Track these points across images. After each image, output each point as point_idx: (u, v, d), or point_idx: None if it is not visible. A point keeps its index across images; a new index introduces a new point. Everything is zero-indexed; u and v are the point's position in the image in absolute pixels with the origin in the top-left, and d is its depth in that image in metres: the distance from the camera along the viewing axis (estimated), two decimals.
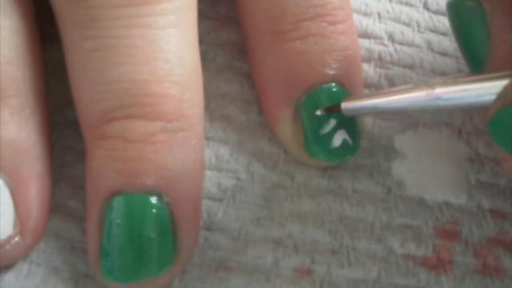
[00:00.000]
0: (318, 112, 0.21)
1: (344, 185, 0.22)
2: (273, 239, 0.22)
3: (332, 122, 0.21)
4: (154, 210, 0.19)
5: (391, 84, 0.24)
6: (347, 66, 0.22)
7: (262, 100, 0.23)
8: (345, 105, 0.21)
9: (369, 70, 0.24)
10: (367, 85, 0.24)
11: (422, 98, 0.19)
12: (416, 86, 0.20)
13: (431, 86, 0.19)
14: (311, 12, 0.21)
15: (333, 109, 0.21)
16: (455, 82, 0.19)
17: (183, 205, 0.20)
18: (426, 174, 0.23)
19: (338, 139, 0.22)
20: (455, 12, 0.21)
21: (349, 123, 0.22)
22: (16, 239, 0.20)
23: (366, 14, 0.25)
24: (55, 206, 0.21)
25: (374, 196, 0.22)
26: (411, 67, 0.24)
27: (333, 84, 0.21)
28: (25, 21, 0.20)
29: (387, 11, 0.25)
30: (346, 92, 0.22)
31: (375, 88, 0.24)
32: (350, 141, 0.22)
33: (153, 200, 0.19)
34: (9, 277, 0.20)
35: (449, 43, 0.25)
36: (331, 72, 0.21)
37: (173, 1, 0.20)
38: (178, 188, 0.20)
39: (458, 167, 0.23)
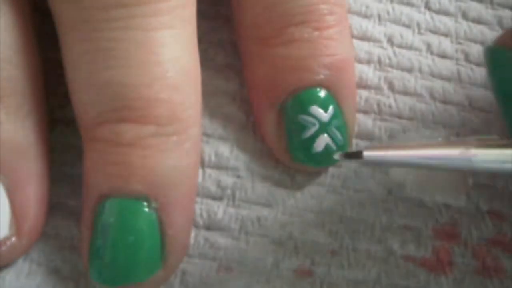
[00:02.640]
0: (336, 157, 0.20)
1: (345, 186, 0.22)
2: (273, 240, 0.22)
3: (314, 127, 0.21)
4: (141, 215, 0.19)
5: (391, 86, 0.24)
6: (333, 71, 0.21)
7: (251, 103, 0.23)
8: (367, 153, 0.19)
9: (368, 72, 0.24)
10: (368, 87, 0.24)
11: (455, 157, 0.18)
12: (449, 143, 0.19)
13: (465, 145, 0.18)
14: (296, 19, 0.21)
15: (354, 156, 0.20)
16: (491, 144, 0.18)
17: (172, 211, 0.20)
18: (426, 176, 0.23)
19: (320, 144, 0.21)
20: (496, 62, 0.20)
21: (334, 128, 0.22)
22: (13, 240, 0.20)
23: (366, 16, 0.25)
24: (56, 205, 0.21)
25: (375, 197, 0.22)
26: (409, 70, 0.24)
27: (317, 89, 0.21)
28: (21, 19, 0.20)
29: (388, 13, 0.25)
30: (332, 97, 0.22)
31: (374, 90, 0.24)
32: (333, 146, 0.22)
33: (141, 205, 0.19)
34: (10, 276, 0.20)
35: (449, 44, 0.25)
36: (314, 77, 0.21)
37: (166, 1, 0.19)
38: (168, 193, 0.20)
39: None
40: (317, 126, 0.21)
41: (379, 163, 0.19)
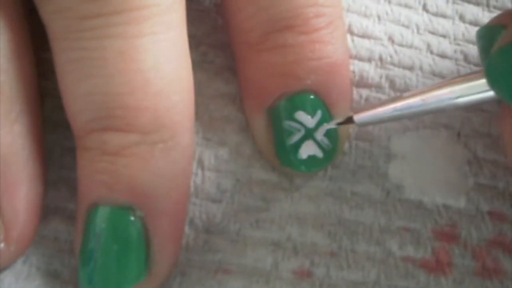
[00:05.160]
0: (328, 126, 0.21)
1: (343, 187, 0.22)
2: (272, 241, 0.22)
3: (299, 133, 0.21)
4: (125, 224, 0.19)
5: (392, 84, 0.24)
6: (321, 74, 0.21)
7: (243, 106, 0.23)
8: (357, 116, 0.20)
9: (370, 70, 0.24)
10: (368, 85, 0.24)
11: (440, 98, 0.19)
12: (431, 87, 0.19)
13: (446, 85, 0.19)
14: (281, 24, 0.21)
15: (346, 122, 0.21)
16: (470, 78, 0.19)
17: (158, 220, 0.20)
18: (425, 176, 0.23)
19: (305, 150, 0.21)
20: (485, 37, 0.20)
21: (321, 134, 0.21)
22: (1, 246, 0.20)
23: (366, 16, 0.25)
24: (54, 209, 0.21)
25: (373, 198, 0.22)
26: (410, 68, 0.24)
27: (303, 95, 0.21)
28: (11, 23, 0.20)
29: (386, 13, 0.25)
30: (320, 102, 0.21)
31: (375, 89, 0.24)
32: (319, 153, 0.22)
33: (126, 213, 0.19)
34: (8, 279, 0.20)
35: (448, 45, 0.25)
36: (300, 82, 0.21)
37: (145, 8, 0.19)
38: (153, 202, 0.20)
39: (456, 170, 0.23)
40: (302, 132, 0.21)
41: (372, 121, 0.20)
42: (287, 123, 0.21)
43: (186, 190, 0.21)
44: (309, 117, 0.21)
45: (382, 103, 0.20)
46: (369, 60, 0.24)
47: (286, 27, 0.21)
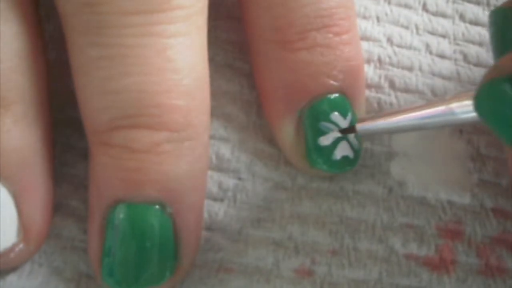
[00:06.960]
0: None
1: (345, 187, 0.22)
2: (273, 240, 0.22)
3: (334, 134, 0.21)
4: (156, 220, 0.19)
5: (391, 84, 0.24)
6: (350, 77, 0.22)
7: (264, 107, 0.23)
8: (360, 126, 0.21)
9: (368, 71, 0.24)
10: (368, 86, 0.24)
11: (440, 113, 0.19)
12: (431, 103, 0.19)
13: (446, 101, 0.19)
14: (318, 23, 0.21)
15: (349, 131, 0.21)
16: (471, 96, 0.18)
17: (186, 215, 0.20)
18: (428, 173, 0.23)
19: (340, 151, 0.22)
20: (497, 19, 0.21)
21: (352, 135, 0.22)
22: (20, 246, 0.20)
23: (365, 17, 0.25)
24: (56, 206, 0.21)
25: (375, 196, 0.22)
26: (410, 69, 0.24)
27: (337, 95, 0.21)
28: (27, 25, 0.20)
29: (386, 14, 0.25)
30: (349, 103, 0.22)
31: (375, 89, 0.24)
32: (351, 153, 0.22)
33: (156, 210, 0.19)
34: (11, 277, 0.20)
35: (448, 45, 0.25)
36: (335, 83, 0.21)
37: (184, 8, 0.19)
38: (182, 199, 0.20)
39: (460, 166, 0.23)
40: (337, 134, 0.21)
41: (373, 132, 0.21)
42: (323, 124, 0.21)
43: (205, 186, 0.21)
44: (342, 118, 0.21)
45: (384, 114, 0.21)
46: (368, 61, 0.24)
47: (322, 26, 0.21)
